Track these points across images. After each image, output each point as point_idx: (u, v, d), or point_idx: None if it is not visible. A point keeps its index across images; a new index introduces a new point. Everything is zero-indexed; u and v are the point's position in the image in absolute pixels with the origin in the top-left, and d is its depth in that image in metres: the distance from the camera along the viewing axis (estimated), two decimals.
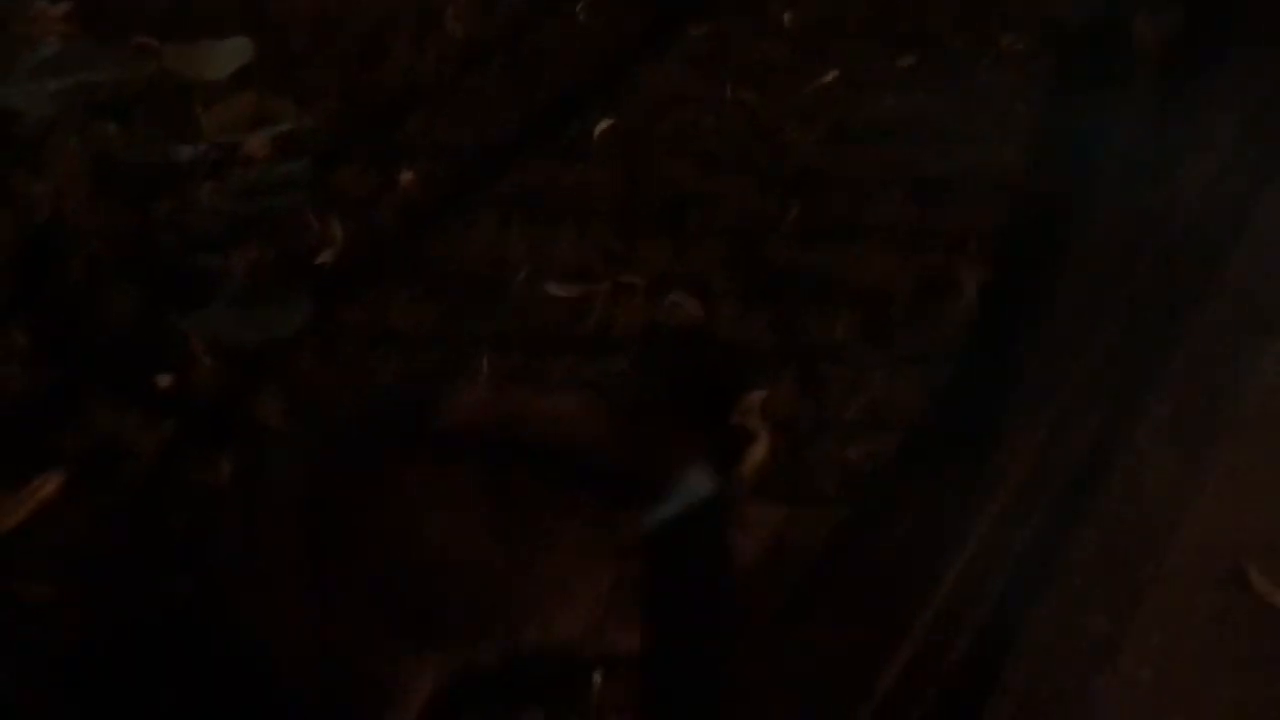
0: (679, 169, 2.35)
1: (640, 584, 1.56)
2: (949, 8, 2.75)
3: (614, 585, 1.57)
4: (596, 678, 1.72)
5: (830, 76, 2.56)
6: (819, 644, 1.58)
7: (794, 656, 1.56)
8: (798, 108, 2.43)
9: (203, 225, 2.03)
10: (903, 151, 2.37)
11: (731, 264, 2.21)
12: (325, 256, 2.19)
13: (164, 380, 1.95)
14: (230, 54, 2.22)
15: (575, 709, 1.70)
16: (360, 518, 1.50)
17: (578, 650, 1.63)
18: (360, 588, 1.50)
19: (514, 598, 1.54)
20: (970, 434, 1.77)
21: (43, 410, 1.90)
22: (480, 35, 2.68)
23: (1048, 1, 2.68)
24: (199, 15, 2.62)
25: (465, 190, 2.32)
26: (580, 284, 2.17)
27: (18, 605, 1.71)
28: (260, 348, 1.94)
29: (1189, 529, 1.88)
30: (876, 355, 2.09)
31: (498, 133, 2.42)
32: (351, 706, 1.57)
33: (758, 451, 1.66)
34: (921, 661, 1.56)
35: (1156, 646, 1.77)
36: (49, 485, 1.80)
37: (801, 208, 2.28)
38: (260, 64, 2.28)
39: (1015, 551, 1.70)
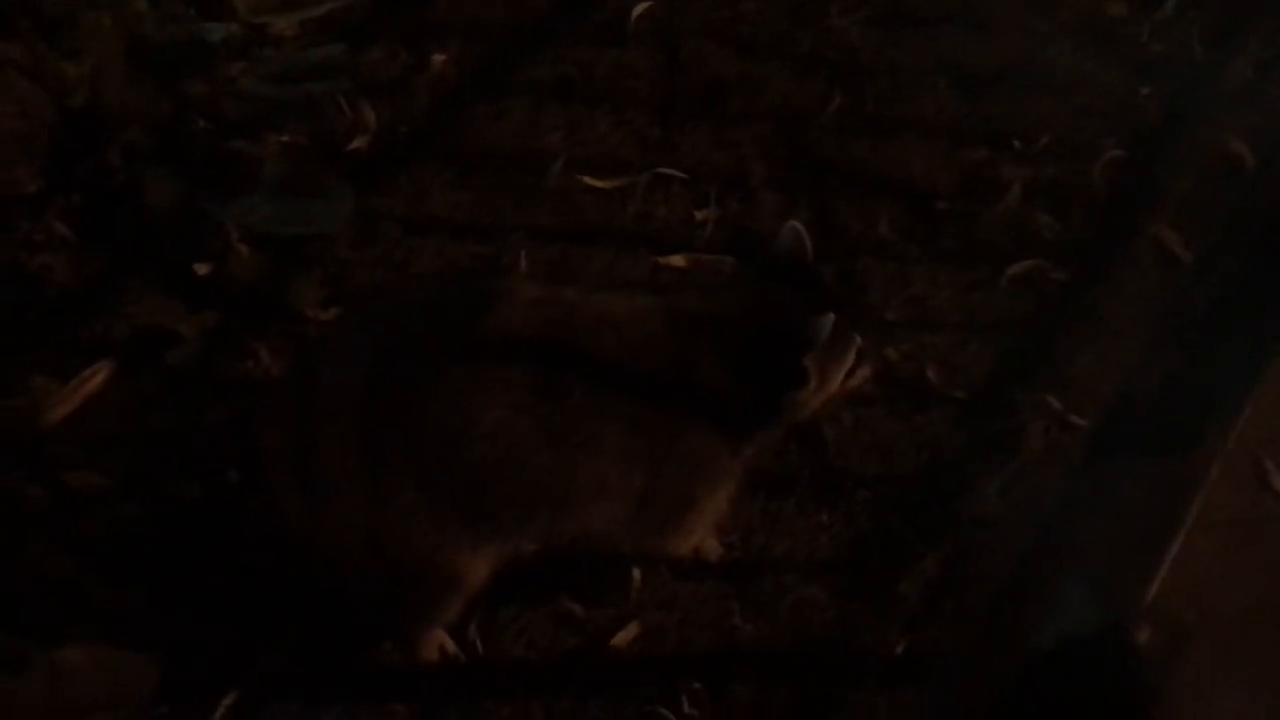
0: (718, 54, 2.29)
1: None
2: None
3: (648, 489, 1.60)
4: (636, 573, 1.76)
5: None
6: None
7: None
8: None
9: (236, 109, 1.99)
10: (948, 41, 2.31)
11: (772, 155, 2.17)
12: (358, 142, 2.15)
13: (202, 268, 1.94)
14: None
15: (614, 600, 1.74)
16: (415, 412, 1.51)
17: (613, 545, 1.67)
18: (414, 480, 1.52)
19: (554, 494, 1.57)
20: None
21: (86, 300, 1.89)
22: None
23: None
24: None
25: (498, 73, 2.27)
26: (618, 175, 2.14)
27: (69, 494, 1.73)
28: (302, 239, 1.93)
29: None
30: (917, 253, 2.08)
31: (531, 12, 2.35)
32: (408, 595, 1.60)
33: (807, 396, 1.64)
34: None
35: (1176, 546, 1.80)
36: (98, 376, 1.81)
37: (844, 97, 2.23)
38: None
39: None
